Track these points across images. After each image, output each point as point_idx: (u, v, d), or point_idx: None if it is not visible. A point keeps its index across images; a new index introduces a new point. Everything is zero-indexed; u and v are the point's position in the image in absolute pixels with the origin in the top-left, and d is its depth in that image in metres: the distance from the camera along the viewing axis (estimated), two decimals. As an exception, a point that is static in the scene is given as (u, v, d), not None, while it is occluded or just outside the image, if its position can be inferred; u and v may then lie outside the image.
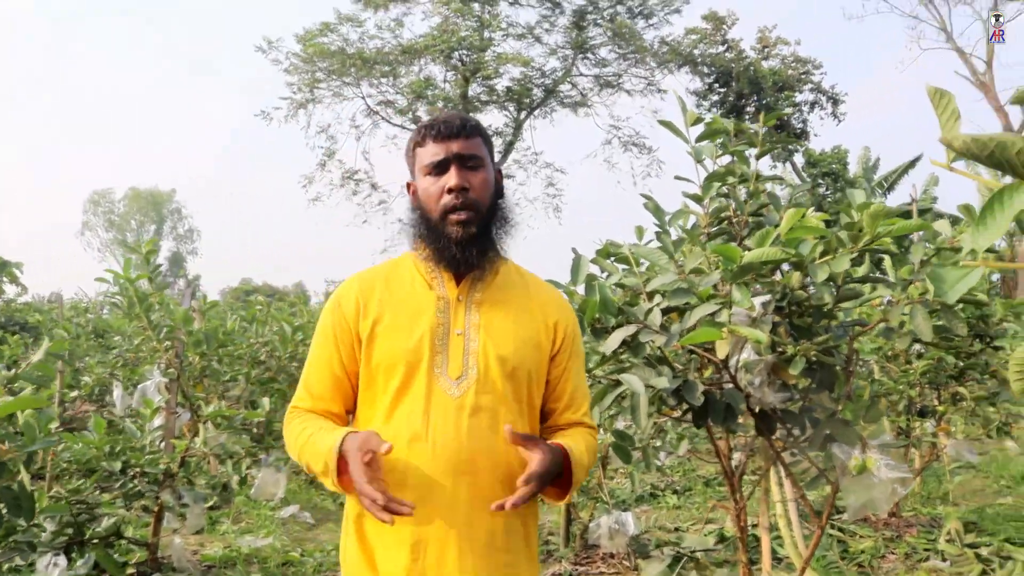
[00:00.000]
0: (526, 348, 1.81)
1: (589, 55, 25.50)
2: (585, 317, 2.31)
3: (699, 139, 2.59)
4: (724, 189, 2.68)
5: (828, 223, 2.36)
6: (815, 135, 26.89)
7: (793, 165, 25.89)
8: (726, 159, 2.68)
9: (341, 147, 26.81)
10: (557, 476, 1.73)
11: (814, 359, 2.24)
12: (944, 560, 4.79)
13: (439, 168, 1.76)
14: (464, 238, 1.75)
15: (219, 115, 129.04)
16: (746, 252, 2.09)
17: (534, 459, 1.65)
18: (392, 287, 1.84)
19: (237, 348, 4.68)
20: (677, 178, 2.66)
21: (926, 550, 5.02)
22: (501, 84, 24.75)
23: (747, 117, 26.43)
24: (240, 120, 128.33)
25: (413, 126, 25.41)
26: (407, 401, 1.74)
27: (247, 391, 4.63)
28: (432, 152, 1.77)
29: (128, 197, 63.68)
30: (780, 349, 2.23)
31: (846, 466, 2.47)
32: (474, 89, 24.35)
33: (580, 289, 2.45)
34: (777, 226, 2.17)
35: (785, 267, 2.33)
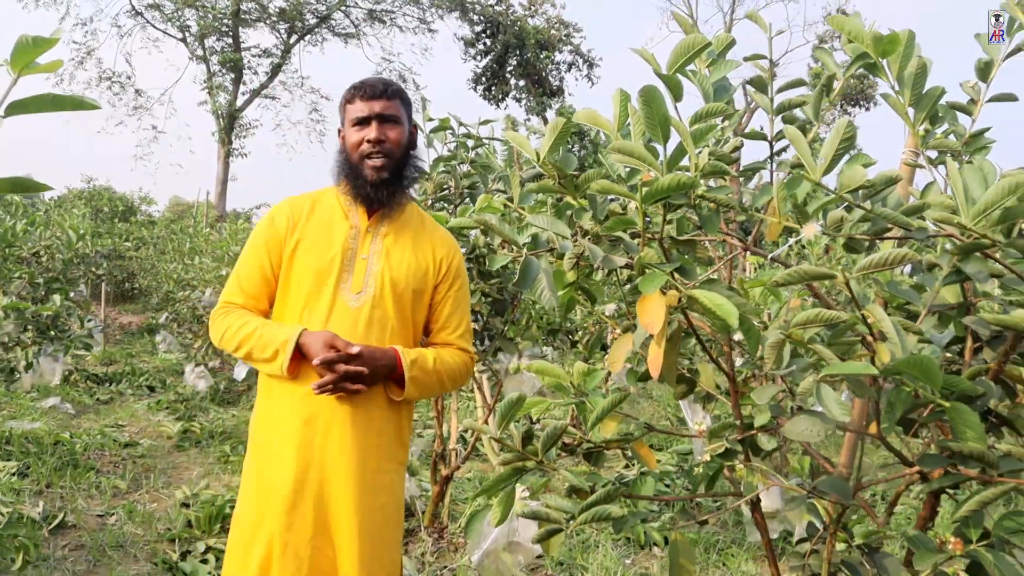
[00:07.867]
0: (415, 275, 2.22)
1: (364, -14, 25.68)
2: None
3: (433, 131, 3.58)
4: (448, 167, 3.70)
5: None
6: (570, 94, 28.88)
7: (545, 120, 27.68)
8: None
9: (102, 45, 25.23)
10: (392, 371, 2.11)
11: (491, 294, 3.34)
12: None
13: (363, 123, 2.17)
14: (377, 180, 2.16)
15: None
16: (452, 219, 3.12)
17: (353, 347, 2.04)
18: (316, 213, 2.24)
19: (22, 248, 5.07)
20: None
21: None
22: (274, 4, 24.46)
23: (509, 69, 27.91)
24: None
25: (179, 33, 24.53)
26: (315, 305, 2.13)
27: (27, 288, 5.08)
28: (359, 109, 2.17)
29: None
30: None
31: (507, 368, 3.62)
32: (246, 5, 23.88)
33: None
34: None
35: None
